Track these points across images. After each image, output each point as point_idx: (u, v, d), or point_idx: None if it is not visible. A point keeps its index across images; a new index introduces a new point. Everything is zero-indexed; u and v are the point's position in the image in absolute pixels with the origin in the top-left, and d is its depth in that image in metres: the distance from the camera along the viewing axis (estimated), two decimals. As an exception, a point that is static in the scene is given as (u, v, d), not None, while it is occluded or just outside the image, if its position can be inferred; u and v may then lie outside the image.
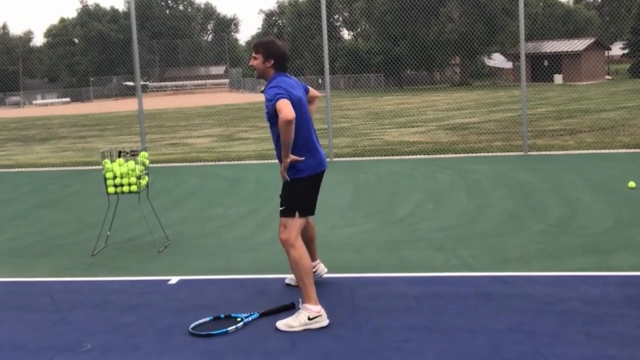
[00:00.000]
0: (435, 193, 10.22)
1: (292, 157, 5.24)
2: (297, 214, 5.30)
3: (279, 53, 5.42)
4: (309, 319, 5.05)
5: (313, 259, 5.99)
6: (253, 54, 5.45)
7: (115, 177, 7.54)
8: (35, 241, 8.46)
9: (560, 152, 14.09)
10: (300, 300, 5.19)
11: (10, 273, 7.06)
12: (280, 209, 5.36)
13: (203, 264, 7.09)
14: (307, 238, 5.79)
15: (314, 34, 59.34)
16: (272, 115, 5.22)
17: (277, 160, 5.41)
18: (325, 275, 6.15)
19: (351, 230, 8.19)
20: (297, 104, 5.28)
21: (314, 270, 5.97)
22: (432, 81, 62.14)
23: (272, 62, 5.40)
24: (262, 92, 5.50)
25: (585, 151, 14.07)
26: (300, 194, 5.35)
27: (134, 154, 7.68)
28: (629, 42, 57.22)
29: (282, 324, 5.06)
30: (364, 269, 6.62)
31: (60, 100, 73.12)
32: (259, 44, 5.46)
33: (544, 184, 10.46)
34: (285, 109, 5.06)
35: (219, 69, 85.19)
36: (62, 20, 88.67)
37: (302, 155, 5.31)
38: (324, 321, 5.11)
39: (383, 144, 17.41)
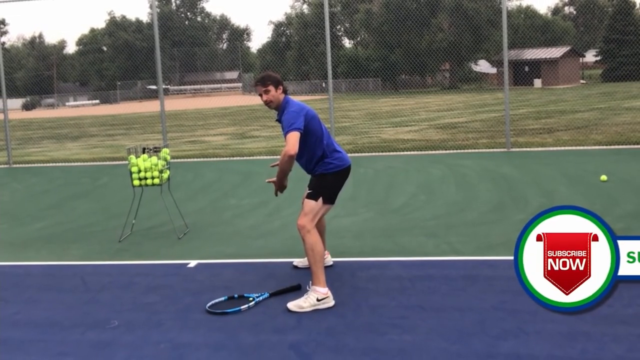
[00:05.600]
0: (427, 185, 10.21)
1: (283, 180, 5.40)
2: (321, 199, 5.30)
3: (280, 79, 5.41)
4: (318, 300, 5.04)
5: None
6: (262, 90, 5.34)
7: (139, 171, 7.54)
8: (68, 229, 8.47)
9: (540, 149, 14.05)
10: (310, 282, 5.18)
11: (46, 257, 7.08)
12: (308, 192, 5.37)
13: (218, 249, 7.10)
14: (319, 230, 5.82)
15: (318, 42, 59.12)
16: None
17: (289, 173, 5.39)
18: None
19: (351, 219, 8.19)
20: (315, 119, 5.35)
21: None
22: (424, 85, 61.93)
23: (281, 87, 5.39)
24: (277, 120, 5.46)
25: (562, 148, 14.03)
26: (328, 185, 5.39)
27: (156, 150, 7.68)
28: (601, 50, 57.01)
29: (293, 305, 5.04)
30: (363, 253, 6.62)
31: (90, 102, 73.18)
32: (265, 78, 5.37)
33: (525, 178, 10.44)
34: (292, 144, 5.07)
35: (233, 74, 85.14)
36: (92, 30, 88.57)
37: (332, 156, 5.39)
38: (331, 302, 5.09)
39: (380, 142, 17.38)
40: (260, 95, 5.40)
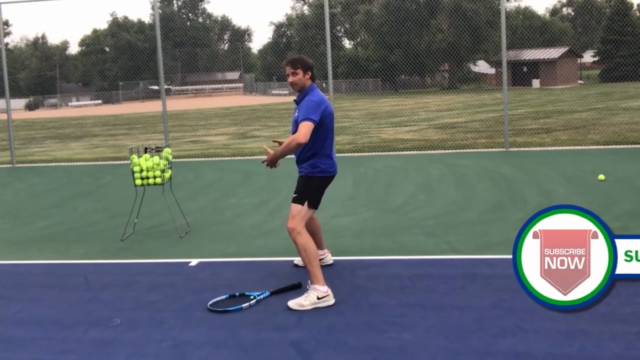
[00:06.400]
0: (426, 185, 10.20)
1: (278, 158, 5.37)
2: (306, 203, 5.30)
3: (312, 65, 5.46)
4: (318, 298, 5.05)
5: (320, 247, 6.02)
6: (291, 71, 5.38)
7: (141, 171, 7.54)
8: (71, 228, 8.47)
9: (538, 149, 14.05)
10: (308, 281, 5.19)
11: (49, 256, 7.08)
12: (294, 196, 5.37)
13: (220, 248, 7.09)
14: (313, 230, 5.87)
15: (318, 43, 59.07)
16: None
17: (286, 156, 5.40)
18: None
19: (352, 218, 8.18)
20: (330, 118, 5.38)
21: (322, 258, 6.00)
22: (423, 85, 61.92)
23: (310, 73, 5.42)
24: (294, 101, 5.48)
25: (560, 148, 14.03)
26: (313, 188, 5.38)
27: (158, 150, 7.68)
28: (598, 51, 57.09)
29: (294, 303, 5.05)
30: (363, 252, 6.62)
31: (93, 102, 73.10)
32: (296, 60, 5.42)
33: (523, 177, 10.43)
34: (304, 133, 5.11)
35: (234, 74, 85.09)
36: (95, 31, 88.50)
37: (325, 160, 5.38)
38: (331, 300, 5.10)
39: (380, 141, 17.37)
40: (288, 75, 5.43)
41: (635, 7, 62.76)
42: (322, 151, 5.36)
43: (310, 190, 5.36)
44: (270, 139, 19.75)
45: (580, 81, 57.56)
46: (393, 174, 11.51)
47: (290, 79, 5.42)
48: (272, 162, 5.44)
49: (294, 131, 5.38)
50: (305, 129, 5.12)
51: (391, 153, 14.74)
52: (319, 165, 5.38)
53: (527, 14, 67.92)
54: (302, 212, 5.29)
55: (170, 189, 7.98)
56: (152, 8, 72.94)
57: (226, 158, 15.42)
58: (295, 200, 5.34)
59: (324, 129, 5.31)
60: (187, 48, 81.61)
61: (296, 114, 5.40)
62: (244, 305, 5.10)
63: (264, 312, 5.00)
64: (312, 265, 5.14)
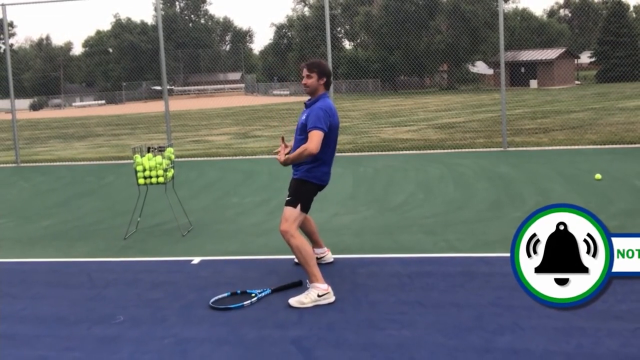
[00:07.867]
0: (425, 184, 10.20)
1: (289, 164, 5.35)
2: (299, 206, 5.30)
3: (328, 72, 5.47)
4: (319, 296, 5.05)
5: (319, 246, 6.03)
6: (306, 73, 5.40)
7: (144, 170, 7.54)
8: (74, 226, 8.47)
9: (536, 148, 14.04)
10: (307, 280, 5.19)
11: (53, 254, 7.08)
12: (287, 198, 5.38)
13: (221, 246, 7.09)
14: (310, 231, 5.94)
15: (319, 44, 59.04)
16: (305, 128, 5.30)
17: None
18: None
19: (352, 217, 8.18)
20: (335, 130, 5.40)
21: (322, 256, 6.00)
22: (422, 86, 61.87)
23: (325, 80, 5.42)
24: (305, 103, 5.49)
25: (557, 147, 14.02)
26: (306, 192, 5.39)
27: (161, 149, 7.68)
28: (595, 52, 57.07)
29: (295, 300, 5.05)
30: (363, 250, 6.61)
31: (96, 102, 73.08)
32: (314, 64, 5.43)
33: (521, 176, 10.43)
34: (316, 143, 5.13)
35: (236, 75, 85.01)
36: (98, 32, 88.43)
37: (321, 168, 5.38)
38: (332, 298, 5.10)
39: (380, 141, 17.36)
40: (303, 76, 5.46)
41: (631, 8, 62.88)
42: (321, 159, 5.36)
43: (304, 193, 5.37)
44: (272, 139, 19.75)
45: (577, 82, 57.56)
46: (392, 173, 11.51)
47: (304, 80, 5.44)
48: (283, 164, 5.43)
49: (298, 133, 5.40)
50: (317, 140, 5.14)
51: (391, 152, 14.73)
52: (315, 173, 5.38)
53: (524, 16, 67.88)
54: (295, 215, 5.29)
55: (172, 188, 7.98)
56: (155, 10, 72.92)
57: (228, 157, 15.41)
58: (288, 203, 5.36)
59: (327, 139, 5.32)
60: (189, 49, 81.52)
61: (303, 116, 5.40)
62: (245, 302, 5.10)
63: (265, 310, 5.01)
64: (309, 265, 5.15)
